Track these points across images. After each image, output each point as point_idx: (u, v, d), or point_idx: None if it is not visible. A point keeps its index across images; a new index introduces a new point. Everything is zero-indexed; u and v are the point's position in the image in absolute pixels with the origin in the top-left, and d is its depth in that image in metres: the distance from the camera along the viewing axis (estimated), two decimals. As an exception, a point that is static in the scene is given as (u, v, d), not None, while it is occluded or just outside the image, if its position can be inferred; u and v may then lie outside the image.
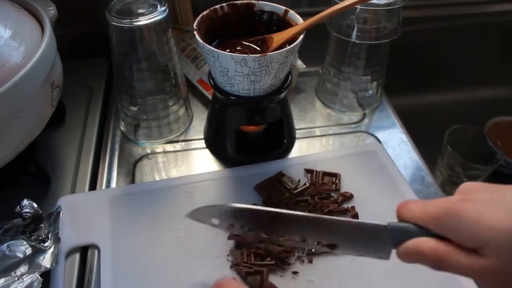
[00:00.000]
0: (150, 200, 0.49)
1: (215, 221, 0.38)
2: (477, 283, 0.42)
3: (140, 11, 0.48)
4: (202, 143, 0.58)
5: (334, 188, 0.50)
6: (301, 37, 0.44)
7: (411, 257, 0.31)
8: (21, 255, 0.42)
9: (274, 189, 0.50)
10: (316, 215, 0.35)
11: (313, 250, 0.44)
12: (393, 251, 0.32)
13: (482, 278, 0.28)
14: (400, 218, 0.33)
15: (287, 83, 0.49)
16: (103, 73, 0.70)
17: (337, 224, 0.34)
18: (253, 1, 0.49)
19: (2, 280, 0.39)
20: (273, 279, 0.42)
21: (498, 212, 0.27)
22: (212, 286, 0.36)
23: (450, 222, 0.29)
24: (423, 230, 0.30)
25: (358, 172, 0.53)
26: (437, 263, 0.29)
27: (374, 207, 0.49)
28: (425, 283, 0.42)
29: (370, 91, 0.63)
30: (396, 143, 0.60)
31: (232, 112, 0.51)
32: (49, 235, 0.43)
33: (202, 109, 0.64)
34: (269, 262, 0.43)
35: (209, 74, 0.50)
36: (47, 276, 0.42)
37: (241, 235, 0.43)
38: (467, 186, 0.31)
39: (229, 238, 0.45)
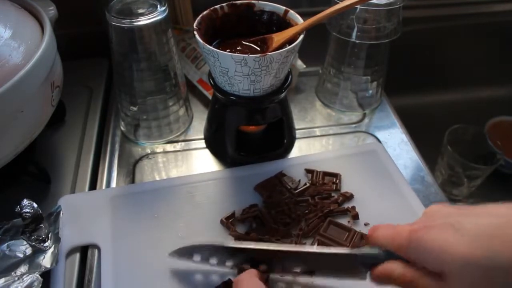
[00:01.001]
0: (150, 200, 0.49)
1: (197, 258, 0.41)
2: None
3: (140, 11, 0.48)
4: (202, 143, 0.58)
5: (334, 188, 0.50)
6: (301, 37, 0.44)
7: (382, 281, 0.33)
8: (21, 255, 0.42)
9: (275, 189, 0.50)
10: (288, 248, 0.38)
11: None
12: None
13: None
14: (371, 244, 0.34)
15: (287, 83, 0.49)
16: (103, 73, 0.70)
17: (311, 254, 0.37)
18: (253, 1, 0.49)
19: (2, 280, 0.39)
20: (274, 278, 0.42)
21: (458, 239, 0.28)
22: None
23: (414, 251, 0.30)
24: (392, 255, 0.32)
25: (358, 172, 0.53)
26: (407, 286, 0.31)
27: (374, 207, 0.49)
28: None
29: (370, 91, 0.63)
30: (396, 143, 0.60)
31: (232, 112, 0.51)
32: (49, 235, 0.43)
33: (202, 109, 0.64)
34: None
35: (209, 74, 0.50)
36: (47, 276, 0.42)
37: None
38: (432, 210, 0.32)
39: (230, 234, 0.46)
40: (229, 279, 0.41)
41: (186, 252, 0.41)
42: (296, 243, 0.45)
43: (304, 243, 0.45)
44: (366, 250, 0.34)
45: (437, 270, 0.29)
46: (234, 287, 0.36)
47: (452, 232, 0.28)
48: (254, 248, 0.38)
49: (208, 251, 0.40)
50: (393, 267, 0.32)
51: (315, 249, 0.37)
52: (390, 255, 0.32)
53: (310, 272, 0.38)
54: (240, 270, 0.40)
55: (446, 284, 0.28)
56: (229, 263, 0.40)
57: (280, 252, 0.37)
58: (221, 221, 0.47)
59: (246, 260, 0.39)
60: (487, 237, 0.27)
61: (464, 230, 0.28)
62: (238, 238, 0.45)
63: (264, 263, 0.39)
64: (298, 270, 0.38)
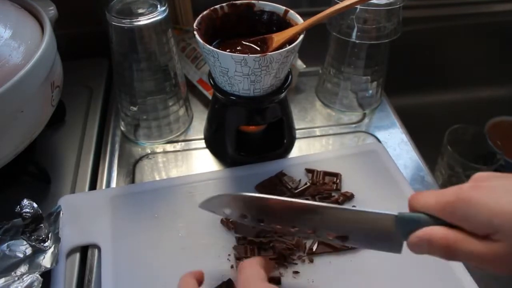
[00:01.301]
0: (150, 199, 0.49)
1: (227, 211, 0.38)
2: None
3: (140, 11, 0.48)
4: (202, 143, 0.58)
5: (335, 188, 0.50)
6: (301, 37, 0.44)
7: (421, 246, 0.30)
8: (21, 255, 0.42)
9: (275, 188, 0.50)
10: (327, 204, 0.34)
11: (314, 249, 0.44)
12: (405, 245, 0.32)
13: (495, 264, 0.28)
14: (412, 209, 0.32)
15: (287, 83, 0.49)
16: (103, 73, 0.70)
17: (347, 214, 0.34)
18: (253, 1, 0.49)
19: (2, 280, 0.39)
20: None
21: (510, 197, 0.27)
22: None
23: (461, 209, 0.28)
24: (435, 220, 0.30)
25: (358, 172, 0.53)
26: (448, 251, 0.29)
27: (375, 207, 0.48)
28: (426, 284, 0.42)
29: (370, 91, 0.63)
30: (396, 143, 0.60)
31: (232, 112, 0.51)
32: (49, 235, 0.43)
33: (202, 109, 0.64)
34: (272, 256, 0.43)
35: (209, 74, 0.50)
36: (47, 276, 0.42)
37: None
38: (479, 175, 0.31)
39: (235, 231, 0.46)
40: (229, 279, 0.41)
41: (216, 205, 0.39)
42: (297, 242, 0.45)
43: (305, 243, 0.45)
44: (407, 213, 0.32)
45: (484, 230, 0.27)
46: (238, 271, 0.34)
47: (503, 191, 0.28)
48: (283, 200, 0.36)
49: (239, 204, 0.37)
50: (434, 229, 0.29)
51: (351, 208, 0.34)
52: (432, 220, 0.30)
53: (343, 238, 0.35)
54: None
55: (494, 244, 0.27)
56: (260, 221, 0.37)
57: (315, 209, 0.35)
58: (222, 221, 0.47)
59: (275, 218, 0.37)
60: None
61: None
62: (241, 231, 0.45)
63: (294, 223, 0.36)
64: (331, 235, 0.35)
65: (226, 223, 0.46)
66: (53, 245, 0.43)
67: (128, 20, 0.46)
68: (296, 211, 0.35)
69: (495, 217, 0.27)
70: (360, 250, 0.44)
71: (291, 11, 0.48)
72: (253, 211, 0.37)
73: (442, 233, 0.29)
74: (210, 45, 0.44)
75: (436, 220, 0.30)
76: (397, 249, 0.32)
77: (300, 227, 0.36)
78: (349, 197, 0.50)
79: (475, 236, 0.28)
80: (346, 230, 0.34)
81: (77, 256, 0.45)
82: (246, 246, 0.44)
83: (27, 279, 0.39)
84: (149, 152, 0.57)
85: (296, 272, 0.43)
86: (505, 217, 0.26)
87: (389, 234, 0.32)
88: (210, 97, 0.63)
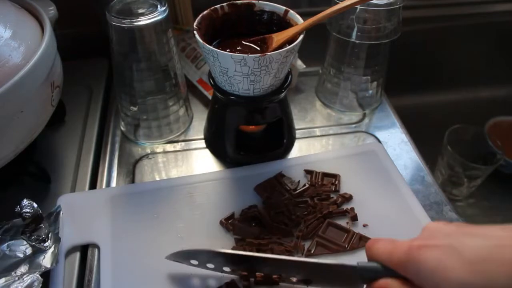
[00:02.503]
0: (150, 200, 0.49)
1: (194, 262, 0.41)
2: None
3: (140, 11, 0.48)
4: (202, 143, 0.58)
5: (333, 189, 0.50)
6: (301, 37, 0.44)
7: None
8: (21, 255, 0.42)
9: (274, 190, 0.50)
10: (288, 257, 0.38)
11: (312, 251, 0.45)
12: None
13: None
14: (369, 258, 0.34)
15: (287, 83, 0.49)
16: (103, 73, 0.70)
17: (309, 265, 0.37)
18: (253, 1, 0.49)
19: (3, 280, 0.39)
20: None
21: (455, 262, 0.27)
22: None
23: (411, 269, 0.30)
24: (391, 271, 0.31)
25: (357, 172, 0.53)
26: None
27: (373, 208, 0.49)
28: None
29: (370, 91, 0.63)
30: (396, 143, 0.60)
31: (232, 112, 0.51)
32: (49, 235, 0.43)
33: (202, 109, 0.64)
34: None
35: (209, 74, 0.50)
36: (47, 275, 0.42)
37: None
38: (432, 227, 0.32)
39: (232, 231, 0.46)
40: (233, 280, 0.41)
41: (183, 256, 0.41)
42: (295, 244, 0.45)
43: (303, 245, 0.45)
44: (365, 263, 0.34)
45: None
46: None
47: (450, 254, 0.28)
48: (252, 256, 0.38)
49: (205, 256, 0.40)
50: (390, 283, 0.31)
51: (313, 259, 0.37)
52: (389, 270, 0.32)
53: (307, 281, 0.38)
54: (238, 276, 0.40)
55: None
56: (226, 269, 0.40)
57: (277, 261, 0.37)
58: (221, 222, 0.47)
59: (243, 266, 0.40)
60: (484, 261, 0.27)
61: (462, 254, 0.28)
62: (239, 233, 0.45)
63: (261, 270, 0.39)
64: (295, 278, 0.38)
65: (225, 224, 0.46)
66: (53, 245, 0.43)
67: (128, 20, 0.46)
68: (261, 261, 0.38)
69: (440, 283, 0.27)
70: (358, 251, 0.44)
71: (291, 11, 0.48)
72: (220, 262, 0.40)
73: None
74: (210, 45, 0.44)
75: (391, 271, 0.31)
76: None
77: (264, 273, 0.39)
78: (347, 198, 0.49)
79: None
80: (309, 276, 0.37)
81: (77, 255, 0.45)
82: (244, 247, 0.44)
83: (27, 279, 0.39)
84: (149, 152, 0.57)
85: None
86: (450, 283, 0.27)
87: (350, 280, 0.35)
88: (210, 97, 0.63)
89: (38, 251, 0.42)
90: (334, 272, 0.35)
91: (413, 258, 0.29)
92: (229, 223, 0.46)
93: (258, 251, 0.44)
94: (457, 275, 0.27)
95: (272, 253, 0.44)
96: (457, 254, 0.28)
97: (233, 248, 0.44)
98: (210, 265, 0.41)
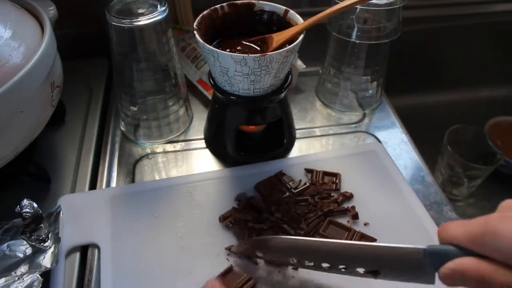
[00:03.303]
0: (150, 199, 0.49)
1: (259, 253, 0.41)
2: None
3: (140, 11, 0.48)
4: (202, 143, 0.58)
5: (334, 188, 0.50)
6: (301, 37, 0.44)
7: (453, 279, 0.29)
8: (21, 255, 0.42)
9: (274, 188, 0.50)
10: (356, 243, 0.35)
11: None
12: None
13: None
14: (441, 241, 0.31)
15: (287, 83, 0.49)
16: (103, 73, 0.70)
17: (376, 251, 0.34)
18: (253, 1, 0.49)
19: (3, 280, 0.39)
20: (273, 275, 0.42)
21: None
22: None
23: (490, 242, 0.28)
24: (465, 251, 0.29)
25: (358, 172, 0.53)
26: (482, 283, 0.28)
27: (374, 207, 0.49)
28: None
29: (370, 91, 0.63)
30: (396, 143, 0.60)
31: (232, 112, 0.51)
32: (49, 235, 0.43)
33: (202, 109, 0.64)
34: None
35: (209, 74, 0.50)
36: (47, 275, 0.42)
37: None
38: (507, 204, 0.30)
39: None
40: (231, 266, 0.42)
41: (249, 249, 0.41)
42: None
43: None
44: (437, 246, 0.31)
45: None
46: None
47: None
48: (322, 242, 0.37)
49: (268, 247, 0.39)
50: (466, 262, 0.28)
51: (379, 244, 0.34)
52: (462, 252, 0.29)
53: (375, 272, 0.35)
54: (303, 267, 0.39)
55: None
56: (292, 260, 0.39)
57: (343, 247, 0.35)
58: (219, 219, 0.47)
59: (307, 256, 0.38)
60: None
61: None
62: (236, 221, 0.46)
63: (327, 260, 0.37)
64: (362, 270, 0.35)
65: (225, 222, 0.46)
66: (53, 245, 0.43)
67: (128, 20, 0.46)
68: (325, 251, 0.36)
69: None
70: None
71: (291, 11, 0.48)
72: (287, 252, 0.39)
73: (475, 265, 0.28)
74: (210, 45, 0.44)
75: (466, 251, 0.29)
76: (430, 281, 0.32)
77: (332, 263, 0.37)
78: (348, 197, 0.50)
79: (509, 268, 0.27)
80: (377, 265, 0.34)
81: (77, 256, 0.45)
82: (245, 231, 0.45)
83: (27, 279, 0.39)
84: (149, 152, 0.57)
85: (295, 269, 0.43)
86: None
87: (420, 267, 0.32)
88: (210, 97, 0.63)
89: (38, 251, 0.42)
90: (402, 259, 0.33)
91: (492, 229, 0.27)
92: (229, 221, 0.46)
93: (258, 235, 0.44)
94: None
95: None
96: None
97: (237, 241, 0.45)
98: (274, 257, 0.40)
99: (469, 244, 0.29)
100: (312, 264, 0.38)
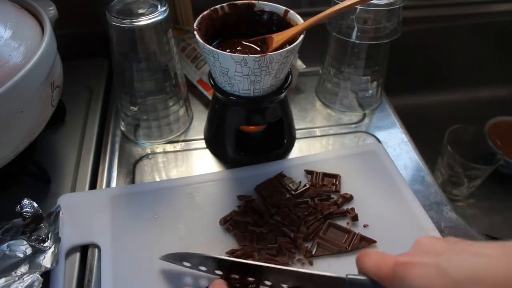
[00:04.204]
0: (151, 200, 0.49)
1: (187, 264, 0.42)
2: None
3: (141, 11, 0.48)
4: (202, 143, 0.58)
5: (334, 189, 0.50)
6: (301, 37, 0.44)
7: None
8: (21, 255, 0.42)
9: (275, 190, 0.50)
10: (281, 267, 0.38)
11: (313, 252, 0.45)
12: None
13: None
14: (359, 270, 0.34)
15: (287, 83, 0.49)
16: (103, 73, 0.70)
17: (298, 274, 0.37)
18: (253, 1, 0.49)
19: (3, 280, 0.39)
20: None
21: (439, 282, 0.27)
22: None
23: (398, 286, 0.29)
24: (379, 286, 0.31)
25: (358, 172, 0.53)
26: None
27: (374, 208, 0.49)
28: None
29: (370, 91, 0.63)
30: (396, 143, 0.60)
31: (232, 112, 0.51)
32: (49, 235, 0.43)
33: (202, 109, 0.64)
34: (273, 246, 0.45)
35: (209, 74, 0.50)
36: (47, 275, 0.42)
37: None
38: (422, 242, 0.31)
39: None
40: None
41: (176, 258, 0.42)
42: (296, 246, 0.45)
43: (307, 246, 0.45)
44: (355, 276, 0.34)
45: None
46: None
47: (435, 273, 0.27)
48: (241, 263, 0.39)
49: (197, 260, 0.41)
50: None
51: (303, 269, 0.37)
52: (378, 285, 0.31)
53: None
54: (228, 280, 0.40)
55: None
56: (218, 272, 0.41)
57: (268, 269, 0.38)
58: (220, 222, 0.47)
59: (235, 271, 0.40)
60: (471, 282, 0.26)
61: (448, 273, 0.27)
62: (236, 226, 0.46)
63: (253, 275, 0.39)
64: (285, 286, 0.38)
65: (226, 225, 0.46)
66: (53, 245, 0.43)
67: (129, 20, 0.46)
68: (252, 268, 0.38)
69: None
70: (359, 252, 0.44)
71: (291, 11, 0.48)
72: (211, 266, 0.41)
73: None
74: (210, 45, 0.44)
75: (380, 285, 0.31)
76: None
77: (256, 279, 0.39)
78: (348, 198, 0.49)
79: None
80: (301, 284, 0.37)
81: (77, 255, 0.45)
82: (245, 234, 0.45)
83: (28, 279, 0.39)
84: (149, 152, 0.57)
85: None
86: None
87: None
88: (210, 97, 0.63)
89: (38, 251, 0.42)
90: (324, 282, 0.35)
91: (399, 273, 0.29)
92: (229, 224, 0.46)
93: (259, 241, 0.45)
94: None
95: (276, 243, 0.44)
96: (443, 273, 0.27)
97: (233, 252, 0.44)
98: (202, 268, 0.41)
99: (381, 282, 0.31)
100: (237, 276, 0.40)
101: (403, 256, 0.30)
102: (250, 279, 0.39)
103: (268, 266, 0.38)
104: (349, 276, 0.34)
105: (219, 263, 0.40)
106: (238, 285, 0.41)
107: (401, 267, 0.29)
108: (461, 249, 0.29)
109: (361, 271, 0.33)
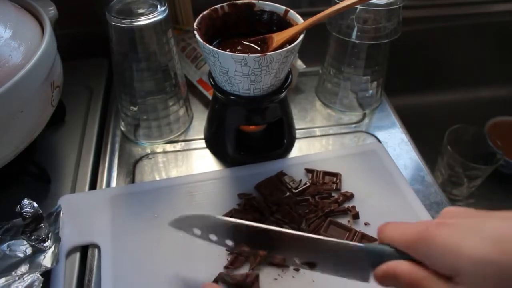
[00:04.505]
0: (150, 199, 0.49)
1: (197, 231, 0.39)
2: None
3: (140, 11, 0.48)
4: (202, 143, 0.58)
5: (334, 188, 0.50)
6: (301, 37, 0.44)
7: (386, 280, 0.30)
8: (21, 255, 0.42)
9: (275, 188, 0.50)
10: (297, 232, 0.35)
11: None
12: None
13: None
14: (380, 241, 0.32)
15: (287, 83, 0.49)
16: (103, 73, 0.70)
17: (316, 242, 0.34)
18: (253, 1, 0.49)
19: (3, 279, 0.39)
20: (275, 277, 0.42)
21: (474, 240, 0.26)
22: None
23: (422, 248, 0.28)
24: (401, 254, 0.30)
25: (358, 172, 0.53)
26: None
27: (375, 206, 0.49)
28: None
29: (370, 91, 0.63)
30: (396, 143, 0.60)
31: (232, 112, 0.51)
32: (49, 235, 0.43)
33: (202, 109, 0.64)
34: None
35: (209, 74, 0.50)
36: (47, 275, 0.42)
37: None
38: (448, 211, 0.30)
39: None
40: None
41: (185, 224, 0.40)
42: None
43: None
44: (374, 245, 0.32)
45: (447, 271, 0.26)
46: None
47: (468, 232, 0.26)
48: (254, 226, 0.36)
49: (209, 223, 0.39)
50: (400, 265, 0.29)
51: (320, 236, 0.35)
52: (399, 254, 0.30)
53: (311, 264, 0.35)
54: (238, 253, 0.38)
55: (457, 287, 0.26)
56: (229, 242, 0.39)
57: (282, 235, 0.35)
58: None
59: (248, 240, 0.37)
60: (507, 240, 0.25)
61: (482, 231, 0.26)
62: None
63: (264, 247, 0.37)
64: (298, 260, 0.36)
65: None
66: (53, 245, 0.43)
67: (128, 20, 0.46)
68: (264, 236, 0.36)
69: (457, 260, 0.26)
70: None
71: (291, 11, 0.48)
72: (222, 233, 0.38)
73: (407, 270, 0.28)
74: (210, 44, 0.44)
75: (402, 254, 0.30)
76: (365, 279, 0.33)
77: (268, 250, 0.37)
78: (348, 197, 0.50)
79: (440, 276, 0.27)
80: (314, 257, 0.35)
81: (77, 255, 0.45)
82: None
83: (28, 279, 0.39)
84: (149, 152, 0.57)
85: (296, 270, 0.43)
86: (467, 262, 0.25)
87: (357, 264, 0.32)
88: (210, 97, 0.63)
89: (38, 251, 0.42)
90: (340, 254, 0.33)
91: (425, 236, 0.28)
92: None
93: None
94: (479, 252, 0.25)
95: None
96: (478, 231, 0.26)
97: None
98: (212, 237, 0.39)
99: (404, 248, 0.29)
100: (247, 248, 0.37)
101: (430, 221, 0.29)
102: (261, 252, 0.37)
103: (287, 232, 0.35)
104: (368, 245, 0.32)
105: (231, 229, 0.37)
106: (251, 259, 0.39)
107: (429, 229, 0.28)
108: (489, 214, 0.28)
109: (383, 241, 0.32)
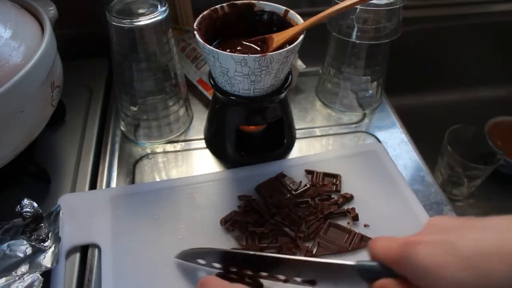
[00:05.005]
0: (151, 200, 0.49)
1: (201, 261, 0.41)
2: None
3: (141, 11, 0.48)
4: (202, 143, 0.58)
5: (334, 189, 0.50)
6: (302, 37, 0.44)
7: None
8: (21, 255, 0.42)
9: (275, 190, 0.50)
10: (294, 257, 0.38)
11: (314, 251, 0.45)
12: None
13: None
14: (370, 256, 0.33)
15: (287, 83, 0.49)
16: (103, 73, 0.70)
17: (313, 264, 0.36)
18: (253, 1, 0.49)
19: (3, 279, 0.39)
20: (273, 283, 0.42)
21: (449, 258, 0.26)
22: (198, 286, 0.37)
23: (406, 266, 0.29)
24: (389, 270, 0.31)
25: (358, 172, 0.53)
26: None
27: (374, 208, 0.49)
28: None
29: (370, 91, 0.63)
30: (396, 143, 0.60)
31: (232, 112, 0.51)
32: (49, 235, 0.43)
33: (202, 109, 0.64)
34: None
35: (209, 74, 0.50)
36: (47, 275, 0.42)
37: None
38: (432, 222, 0.31)
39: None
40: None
41: (190, 256, 0.42)
42: (297, 246, 0.45)
43: (308, 246, 0.45)
44: (364, 262, 0.33)
45: None
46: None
47: (444, 250, 0.27)
48: (256, 255, 0.39)
49: (213, 256, 0.41)
50: (388, 283, 0.30)
51: (313, 259, 0.37)
52: (388, 270, 0.31)
53: (312, 282, 0.37)
54: (241, 277, 0.40)
55: None
56: (233, 269, 0.40)
57: (280, 260, 0.37)
58: (221, 222, 0.47)
59: (249, 266, 0.39)
60: (481, 256, 0.25)
61: (457, 248, 0.26)
62: (236, 225, 0.46)
63: (265, 270, 0.39)
64: (300, 279, 0.38)
65: (226, 225, 0.46)
66: (53, 245, 0.43)
67: (128, 20, 0.46)
68: (265, 261, 0.38)
69: (436, 282, 0.26)
70: (360, 252, 0.44)
71: (291, 11, 0.48)
72: (225, 261, 0.40)
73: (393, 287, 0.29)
74: (210, 45, 0.44)
75: (389, 270, 0.31)
76: None
77: (270, 273, 0.39)
78: (348, 198, 0.49)
79: None
80: (314, 275, 0.37)
81: (77, 255, 0.45)
82: (248, 244, 0.44)
83: (28, 279, 0.39)
84: (149, 152, 0.57)
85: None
86: (445, 280, 0.26)
87: (352, 279, 0.34)
88: (210, 97, 0.63)
89: (38, 251, 0.42)
90: (335, 271, 0.35)
91: (407, 254, 0.28)
92: (230, 224, 0.46)
93: (260, 240, 0.45)
94: (451, 271, 0.26)
95: (276, 243, 0.44)
96: (452, 249, 0.26)
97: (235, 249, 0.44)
98: (216, 265, 0.41)
99: (389, 264, 0.30)
100: (250, 272, 0.40)
101: (413, 236, 0.30)
102: (263, 273, 0.39)
103: (281, 258, 0.37)
104: (358, 262, 0.33)
105: (234, 258, 0.40)
106: (249, 280, 0.40)
107: (409, 246, 0.29)
108: (469, 224, 0.28)
109: (372, 257, 0.33)
